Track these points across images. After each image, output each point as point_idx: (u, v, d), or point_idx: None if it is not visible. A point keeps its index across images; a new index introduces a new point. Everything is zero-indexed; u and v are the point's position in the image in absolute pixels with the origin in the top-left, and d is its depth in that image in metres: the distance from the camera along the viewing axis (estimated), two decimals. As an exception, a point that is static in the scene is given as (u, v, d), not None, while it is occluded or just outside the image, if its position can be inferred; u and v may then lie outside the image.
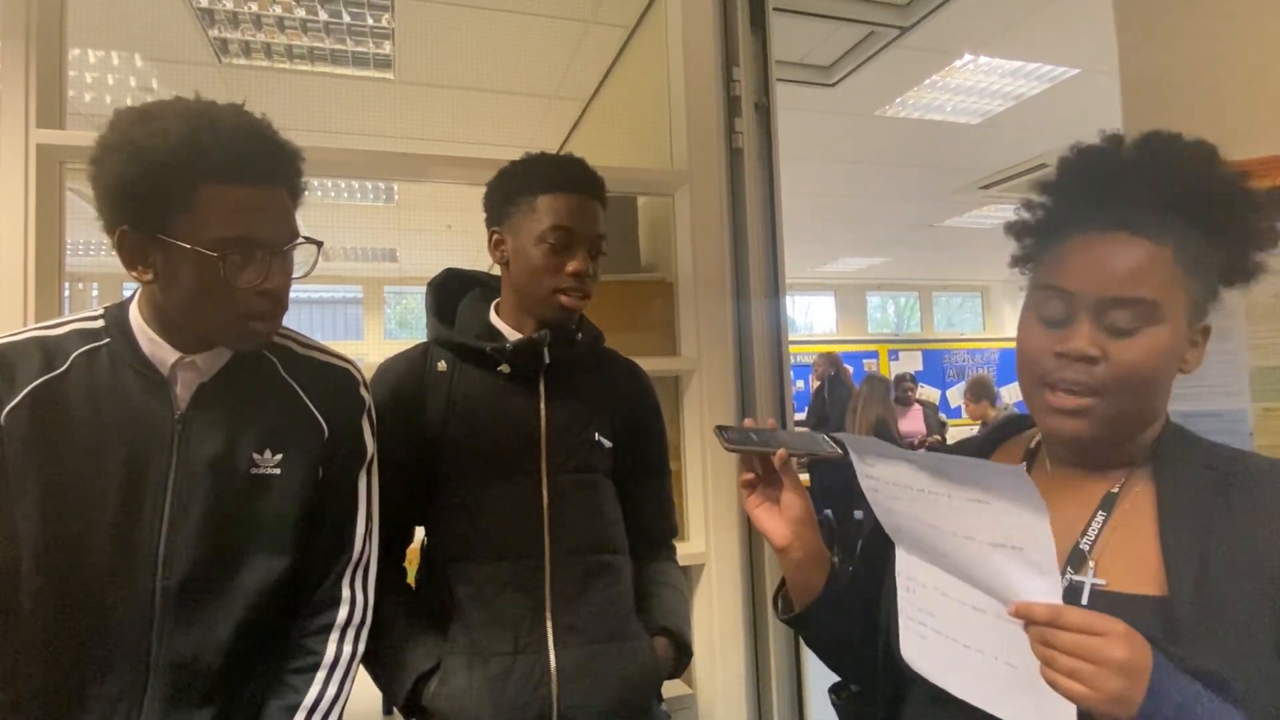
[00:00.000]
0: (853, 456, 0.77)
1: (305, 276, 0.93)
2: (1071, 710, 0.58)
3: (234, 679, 0.90)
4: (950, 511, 0.66)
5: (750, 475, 0.87)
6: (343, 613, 0.96)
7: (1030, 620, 0.59)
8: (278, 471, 0.92)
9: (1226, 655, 0.60)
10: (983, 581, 0.66)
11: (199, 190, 0.80)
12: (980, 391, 4.98)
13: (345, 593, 0.96)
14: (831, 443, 0.84)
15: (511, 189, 1.14)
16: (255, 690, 0.92)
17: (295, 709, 0.90)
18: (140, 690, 0.85)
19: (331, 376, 1.01)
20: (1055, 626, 0.57)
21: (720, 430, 0.86)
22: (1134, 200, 0.71)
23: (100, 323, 0.91)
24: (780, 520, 0.85)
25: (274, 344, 0.97)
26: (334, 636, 0.95)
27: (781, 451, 0.84)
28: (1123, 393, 0.68)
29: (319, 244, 0.92)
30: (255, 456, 0.91)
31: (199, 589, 0.87)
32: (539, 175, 1.13)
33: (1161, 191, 0.70)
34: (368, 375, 1.16)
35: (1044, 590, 0.60)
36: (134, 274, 0.85)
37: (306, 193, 0.94)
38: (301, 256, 0.93)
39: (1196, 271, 0.69)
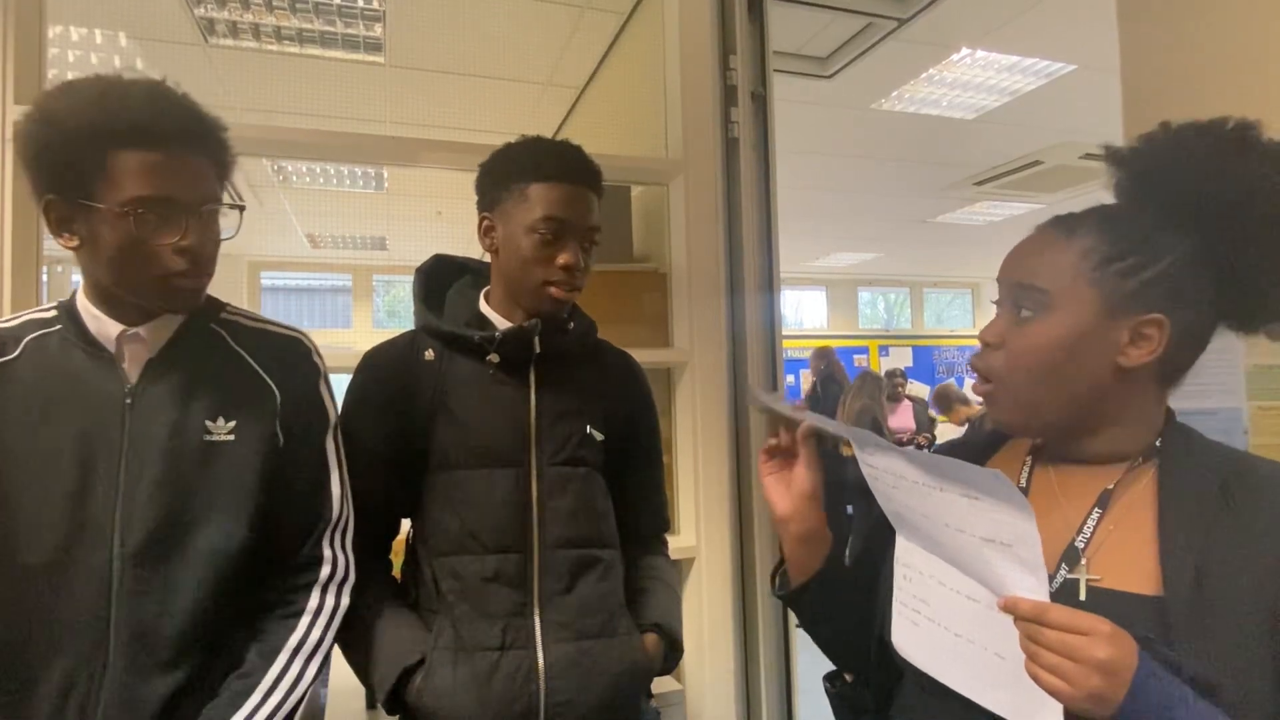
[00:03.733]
0: (854, 447, 0.77)
1: (233, 238, 0.95)
2: (1056, 706, 0.59)
3: (198, 648, 0.90)
4: (945, 504, 0.67)
5: (775, 441, 0.88)
6: (325, 570, 0.98)
7: (1017, 615, 0.60)
8: (231, 438, 0.93)
9: (1217, 657, 0.60)
10: (975, 573, 0.67)
11: (109, 155, 0.83)
12: (946, 403, 5.05)
13: (326, 552, 0.98)
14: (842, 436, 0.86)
15: (504, 174, 1.11)
16: (223, 661, 0.92)
17: (278, 650, 0.91)
18: (101, 660, 0.85)
19: (280, 343, 1.03)
20: (1040, 623, 0.58)
21: (751, 392, 0.87)
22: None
23: (53, 313, 0.95)
24: (787, 492, 0.87)
25: (223, 320, 1.00)
26: (316, 591, 0.97)
27: (808, 422, 0.84)
28: (1019, 378, 0.72)
29: (241, 207, 0.94)
30: (208, 424, 0.93)
31: (156, 555, 0.88)
32: (533, 162, 1.09)
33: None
34: (354, 363, 1.16)
35: (1032, 587, 0.61)
36: (61, 241, 0.88)
37: (246, 167, 0.98)
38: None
39: (1112, 265, 0.69)
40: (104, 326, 0.92)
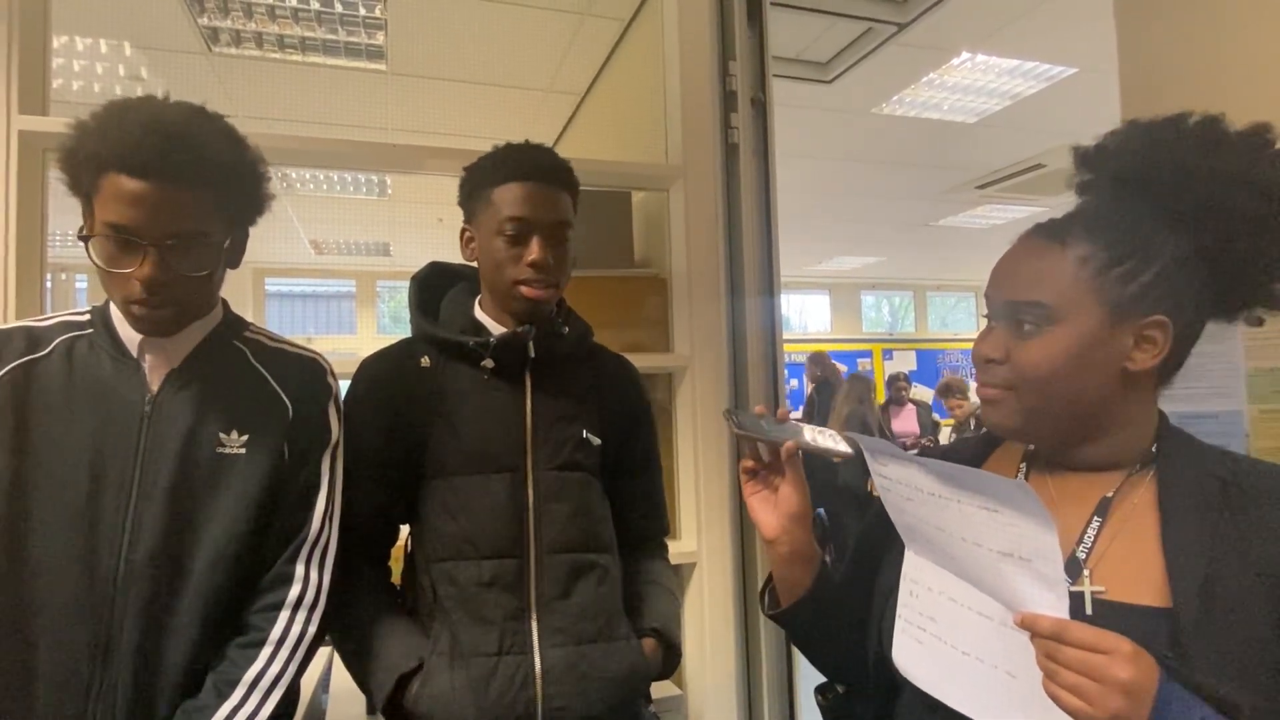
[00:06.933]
0: (866, 456, 0.76)
1: (207, 274, 0.92)
2: None
3: (201, 656, 0.90)
4: (961, 517, 0.65)
5: (751, 463, 0.86)
6: (294, 591, 0.95)
7: (1035, 632, 0.58)
8: (243, 451, 0.95)
9: (1233, 669, 0.58)
10: (991, 588, 0.65)
11: (100, 178, 0.85)
12: (949, 393, 5.17)
13: (299, 570, 0.96)
14: (845, 441, 0.83)
15: (474, 183, 1.13)
16: None
17: (235, 683, 0.89)
18: (105, 663, 0.85)
19: (298, 363, 1.04)
20: (1060, 641, 0.56)
21: (730, 414, 0.85)
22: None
23: (87, 316, 0.97)
24: (774, 512, 0.84)
25: (245, 337, 1.03)
26: (284, 615, 0.94)
27: (791, 442, 0.82)
28: (1032, 388, 0.70)
29: (222, 244, 0.93)
30: (222, 436, 0.94)
31: (163, 562, 0.89)
32: (497, 166, 1.11)
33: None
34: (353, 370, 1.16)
35: (1051, 603, 0.59)
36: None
37: (256, 203, 0.97)
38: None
39: (1111, 271, 0.68)
40: (128, 331, 0.94)
